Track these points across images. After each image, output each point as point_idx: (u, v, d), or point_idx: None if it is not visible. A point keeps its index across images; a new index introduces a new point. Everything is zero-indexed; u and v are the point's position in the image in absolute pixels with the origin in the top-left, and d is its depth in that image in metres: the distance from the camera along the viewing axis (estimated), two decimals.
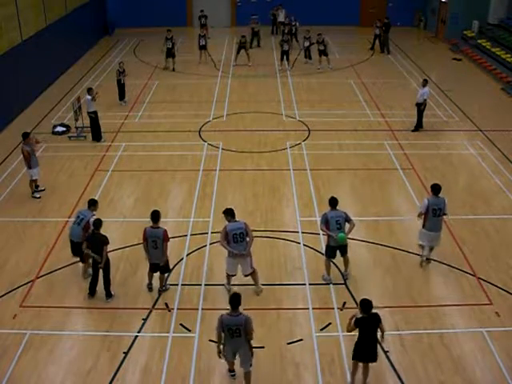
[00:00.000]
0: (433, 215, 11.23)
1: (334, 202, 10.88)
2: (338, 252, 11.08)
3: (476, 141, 17.99)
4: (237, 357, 8.64)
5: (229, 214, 10.47)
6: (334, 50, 28.85)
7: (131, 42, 31.42)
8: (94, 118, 17.79)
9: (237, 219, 10.52)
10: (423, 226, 11.46)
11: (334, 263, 11.59)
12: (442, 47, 30.26)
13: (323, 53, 25.47)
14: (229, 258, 10.57)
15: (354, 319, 8.40)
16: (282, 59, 26.03)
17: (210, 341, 9.66)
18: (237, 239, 10.30)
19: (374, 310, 8.42)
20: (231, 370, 8.98)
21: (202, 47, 26.56)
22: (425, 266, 11.67)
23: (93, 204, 11.33)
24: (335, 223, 10.71)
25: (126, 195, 14.71)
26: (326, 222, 10.78)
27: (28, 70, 21.21)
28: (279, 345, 9.67)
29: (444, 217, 11.48)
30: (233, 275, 10.77)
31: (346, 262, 11.21)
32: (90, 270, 11.07)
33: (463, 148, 17.55)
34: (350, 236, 11.04)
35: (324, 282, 11.16)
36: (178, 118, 20.02)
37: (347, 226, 10.91)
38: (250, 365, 8.60)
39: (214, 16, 30.75)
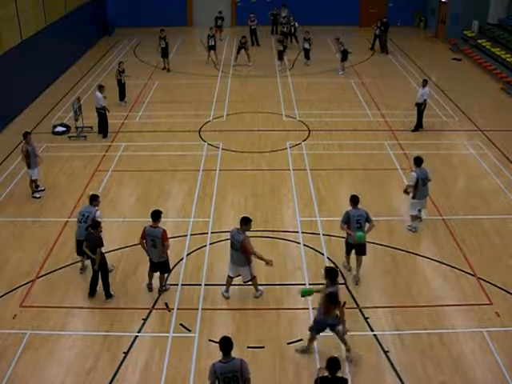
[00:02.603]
0: (422, 185, 12.50)
1: (355, 200, 11.05)
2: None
3: (476, 141, 17.99)
4: None
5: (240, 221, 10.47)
6: (334, 50, 28.80)
7: (131, 42, 31.39)
8: (103, 113, 17.96)
9: (242, 231, 10.29)
10: (413, 197, 12.62)
11: (336, 265, 11.64)
12: (442, 47, 30.25)
13: (341, 58, 25.24)
14: (229, 262, 10.69)
15: (317, 378, 7.42)
16: (279, 59, 26.09)
17: (210, 341, 9.67)
18: (232, 246, 10.44)
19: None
20: None
21: (212, 47, 26.58)
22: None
23: (94, 199, 11.30)
24: (356, 222, 10.89)
25: (126, 195, 14.71)
26: (347, 220, 10.94)
27: (28, 69, 21.20)
28: (279, 345, 9.67)
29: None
30: (234, 277, 10.71)
31: (359, 264, 11.22)
32: (86, 262, 11.17)
33: (463, 148, 17.55)
34: None
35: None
36: (177, 118, 20.01)
37: (367, 225, 11.07)
38: None
39: (214, 16, 30.91)
